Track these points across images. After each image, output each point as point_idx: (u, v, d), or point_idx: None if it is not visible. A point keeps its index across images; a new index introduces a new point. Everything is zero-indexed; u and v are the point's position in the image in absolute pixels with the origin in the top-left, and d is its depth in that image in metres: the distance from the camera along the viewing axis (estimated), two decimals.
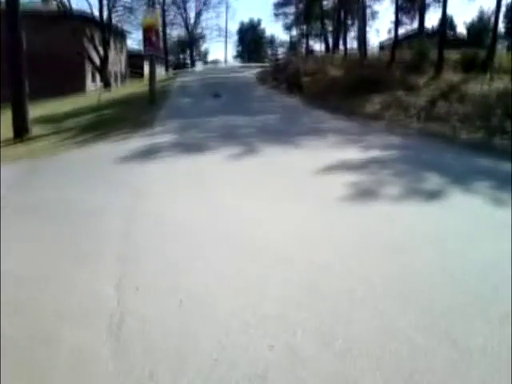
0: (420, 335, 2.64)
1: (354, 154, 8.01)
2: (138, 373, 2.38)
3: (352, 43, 37.07)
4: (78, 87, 30.02)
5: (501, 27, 24.47)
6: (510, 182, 5.95)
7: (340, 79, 19.01)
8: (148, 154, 8.34)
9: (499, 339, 2.59)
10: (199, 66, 55.65)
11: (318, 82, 19.78)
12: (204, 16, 63.89)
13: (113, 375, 2.38)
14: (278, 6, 50.32)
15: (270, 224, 4.64)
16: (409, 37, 26.81)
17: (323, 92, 17.74)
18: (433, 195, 5.47)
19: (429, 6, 31.62)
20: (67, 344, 2.65)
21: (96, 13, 32.77)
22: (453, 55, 18.79)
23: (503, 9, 31.25)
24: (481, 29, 40.32)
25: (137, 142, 9.76)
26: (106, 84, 31.20)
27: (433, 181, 6.12)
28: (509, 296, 3.04)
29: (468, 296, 3.07)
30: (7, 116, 12.61)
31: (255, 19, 74.52)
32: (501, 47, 21.28)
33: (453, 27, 47.10)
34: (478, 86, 13.68)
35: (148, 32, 17.80)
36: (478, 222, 4.60)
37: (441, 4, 19.44)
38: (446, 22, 26.67)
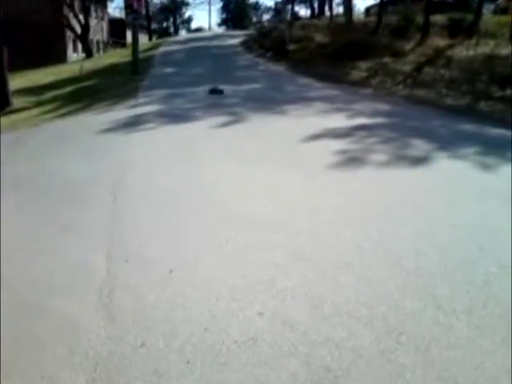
0: (407, 299, 2.69)
1: (341, 121, 7.99)
2: (129, 341, 2.40)
3: (338, 8, 36.53)
4: (60, 57, 29.26)
5: None
6: (494, 147, 6.01)
7: (326, 45, 18.79)
8: (133, 124, 8.22)
9: (484, 300, 2.65)
10: (183, 34, 54.51)
11: (304, 49, 19.54)
12: None
13: (105, 344, 2.40)
14: None
15: (257, 192, 4.64)
16: (395, 1, 26.39)
17: (309, 59, 17.55)
18: (419, 161, 5.50)
19: None
20: (59, 316, 2.66)
21: None
22: (439, 19, 18.61)
23: None
24: None
25: (121, 112, 9.60)
26: (88, 53, 30.43)
27: (419, 147, 6.14)
28: (493, 257, 3.10)
29: (454, 260, 3.12)
30: None
31: None
32: (487, 11, 21.08)
33: None
34: (463, 51, 13.64)
35: None
36: (463, 186, 4.65)
37: None
38: None
